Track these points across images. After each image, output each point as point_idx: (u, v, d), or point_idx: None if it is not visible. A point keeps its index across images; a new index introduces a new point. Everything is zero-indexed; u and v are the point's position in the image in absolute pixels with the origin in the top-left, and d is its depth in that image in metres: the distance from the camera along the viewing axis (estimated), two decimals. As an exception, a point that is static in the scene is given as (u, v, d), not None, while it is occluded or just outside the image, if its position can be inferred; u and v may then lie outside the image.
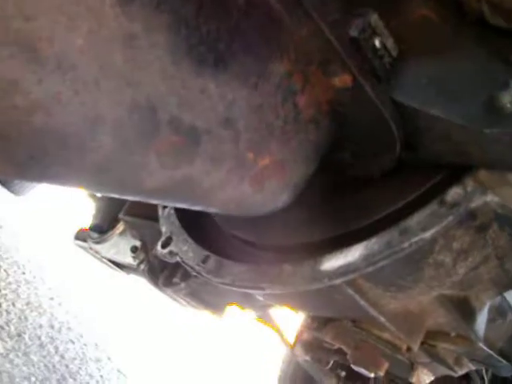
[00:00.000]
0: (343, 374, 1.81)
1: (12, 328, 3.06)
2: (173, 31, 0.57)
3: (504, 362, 1.37)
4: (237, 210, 0.79)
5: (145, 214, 1.48)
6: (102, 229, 2.09)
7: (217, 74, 0.63)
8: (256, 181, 0.73)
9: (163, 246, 1.10)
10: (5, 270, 3.51)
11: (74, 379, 3.05)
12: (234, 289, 0.94)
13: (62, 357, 3.13)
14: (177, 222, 1.13)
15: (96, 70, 0.53)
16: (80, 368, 3.19)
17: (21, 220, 4.18)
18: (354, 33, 0.67)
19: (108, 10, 0.52)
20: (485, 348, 1.19)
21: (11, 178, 3.39)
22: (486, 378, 1.94)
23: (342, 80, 0.70)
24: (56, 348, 3.16)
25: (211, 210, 0.78)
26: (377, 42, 0.70)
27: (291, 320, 1.59)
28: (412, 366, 1.13)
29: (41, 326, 3.24)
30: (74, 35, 0.50)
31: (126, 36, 0.54)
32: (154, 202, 0.72)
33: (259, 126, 0.69)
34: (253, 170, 0.72)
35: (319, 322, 1.28)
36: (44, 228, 4.32)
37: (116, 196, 0.68)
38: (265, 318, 1.75)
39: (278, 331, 1.71)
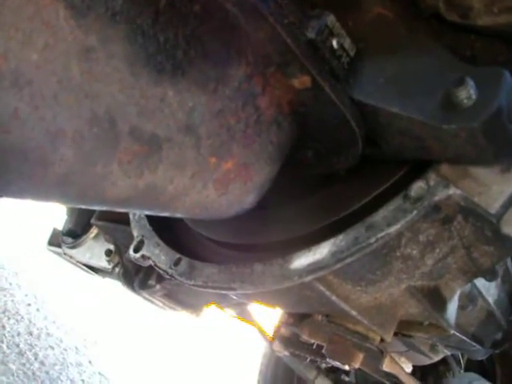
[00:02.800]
0: (324, 365, 1.83)
1: (-11, 338, 3.03)
2: (130, 41, 0.58)
3: (477, 346, 1.40)
4: (203, 214, 0.80)
5: (116, 219, 1.48)
6: (75, 233, 2.08)
7: (175, 82, 0.63)
8: (220, 184, 0.74)
9: (135, 250, 1.10)
10: (-21, 280, 3.47)
11: (55, 385, 3.04)
12: (207, 290, 0.94)
13: (42, 363, 3.10)
14: (148, 226, 1.13)
15: (53, 85, 0.53)
16: (61, 373, 3.16)
17: (-7, 227, 4.13)
18: (311, 34, 0.68)
19: (63, 23, 0.52)
20: (457, 334, 1.22)
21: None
22: (462, 361, 1.99)
23: (301, 81, 0.71)
24: (35, 355, 3.13)
25: (178, 215, 0.79)
26: (334, 43, 0.70)
27: (270, 315, 1.60)
28: (382, 354, 1.14)
29: (19, 334, 3.21)
30: (29, 50, 0.50)
31: (83, 49, 0.54)
32: (121, 210, 0.72)
33: (220, 130, 0.69)
34: (216, 174, 0.73)
35: (295, 318, 1.29)
36: (17, 234, 4.26)
37: (82, 207, 0.67)
38: (243, 315, 1.75)
39: (258, 327, 1.72)
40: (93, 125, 0.57)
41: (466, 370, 2.00)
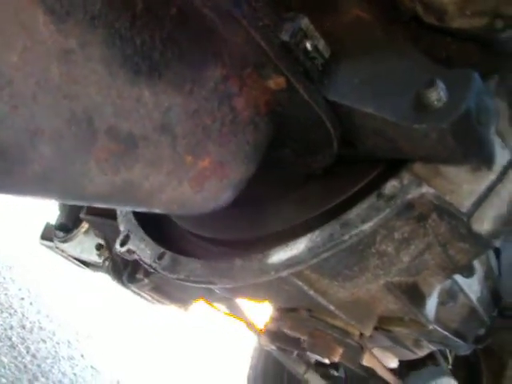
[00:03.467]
0: (312, 360, 1.84)
1: (-18, 331, 3.05)
2: (107, 44, 0.60)
3: (460, 341, 1.42)
4: (180, 210, 0.82)
5: (104, 213, 1.50)
6: (67, 228, 2.10)
7: (152, 83, 0.65)
8: (196, 182, 0.76)
9: (121, 245, 1.12)
10: (-27, 274, 3.48)
11: (47, 378, 3.05)
12: (189, 284, 0.96)
13: (34, 356, 3.12)
14: (134, 220, 1.14)
15: (33, 85, 0.55)
16: (52, 367, 3.18)
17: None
18: (284, 37, 0.69)
19: (42, 27, 0.54)
20: (439, 330, 1.24)
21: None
22: (449, 357, 2.01)
23: (276, 82, 0.73)
24: (27, 348, 3.15)
25: (156, 211, 0.81)
26: (308, 45, 0.72)
27: (260, 308, 1.61)
28: (362, 349, 1.16)
29: (12, 327, 3.23)
30: (8, 53, 0.52)
31: (62, 51, 0.56)
32: (100, 206, 0.75)
33: (196, 129, 0.72)
34: (192, 172, 0.75)
35: (281, 312, 1.32)
36: (11, 228, 4.27)
37: (61, 202, 0.70)
38: (232, 309, 1.77)
39: (247, 322, 1.74)
40: (71, 124, 0.59)
41: (453, 365, 2.02)
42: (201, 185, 0.76)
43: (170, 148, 0.70)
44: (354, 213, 0.80)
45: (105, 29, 0.59)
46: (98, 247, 1.84)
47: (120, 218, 1.17)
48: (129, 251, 1.10)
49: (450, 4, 0.80)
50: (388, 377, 1.32)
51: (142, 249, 1.07)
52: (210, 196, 0.80)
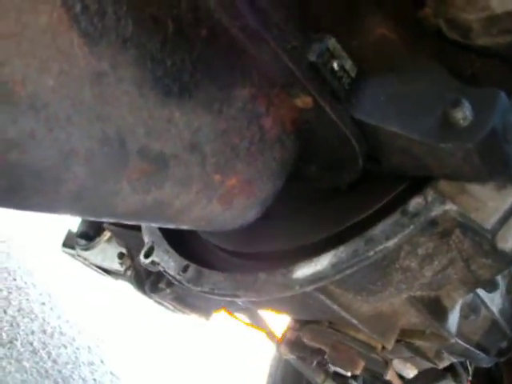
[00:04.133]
0: (331, 369, 1.84)
1: (4, 335, 3.08)
2: (139, 66, 0.61)
3: (482, 354, 1.41)
4: (208, 227, 0.83)
5: (128, 224, 1.51)
6: (89, 236, 2.11)
7: (182, 103, 0.66)
8: (224, 200, 0.77)
9: (146, 256, 1.13)
10: (-5, 278, 3.53)
11: (67, 383, 3.08)
12: (213, 297, 0.97)
13: (55, 362, 3.15)
14: (158, 232, 1.16)
15: (67, 107, 0.56)
16: (73, 372, 3.21)
17: (10, 226, 4.18)
18: (312, 58, 0.71)
19: (77, 50, 0.55)
20: (461, 342, 1.24)
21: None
22: (470, 369, 1.99)
23: (303, 101, 0.74)
24: (48, 353, 3.18)
25: (184, 227, 0.82)
26: (335, 65, 0.73)
27: (280, 318, 1.62)
28: (386, 364, 1.16)
29: (33, 332, 3.26)
30: (45, 76, 0.54)
31: (95, 73, 0.57)
32: (129, 222, 0.76)
33: (225, 148, 0.73)
34: (220, 190, 0.76)
35: (300, 323, 1.32)
36: (34, 234, 4.32)
37: (93, 219, 0.71)
38: (253, 318, 1.78)
39: (267, 332, 1.74)
40: (104, 145, 0.60)
41: (474, 377, 2.00)
42: (229, 203, 0.78)
43: (199, 167, 0.71)
44: (378, 229, 0.81)
45: (136, 50, 0.60)
46: (120, 256, 1.84)
47: (144, 230, 1.19)
48: (153, 263, 1.11)
49: (474, 21, 0.81)
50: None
51: (166, 260, 1.09)
52: (238, 213, 0.81)
